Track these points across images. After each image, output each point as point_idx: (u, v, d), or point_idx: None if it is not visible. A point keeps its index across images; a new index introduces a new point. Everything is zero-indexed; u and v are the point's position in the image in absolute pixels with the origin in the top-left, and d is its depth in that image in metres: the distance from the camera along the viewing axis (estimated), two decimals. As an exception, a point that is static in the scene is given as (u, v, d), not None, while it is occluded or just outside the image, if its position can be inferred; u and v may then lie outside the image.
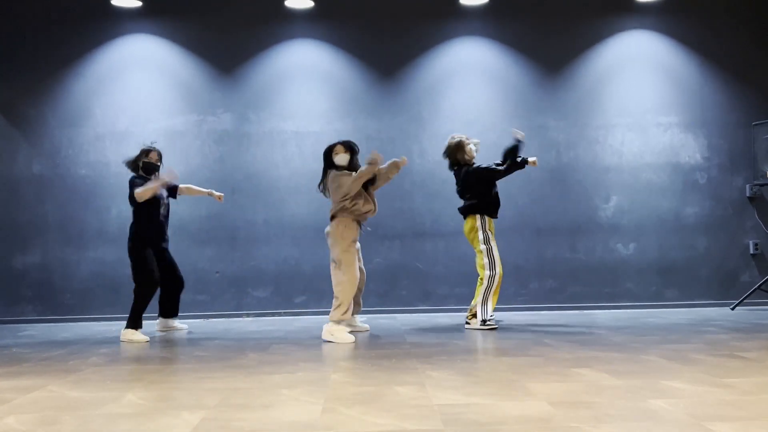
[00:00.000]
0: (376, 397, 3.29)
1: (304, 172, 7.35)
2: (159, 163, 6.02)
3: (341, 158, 5.61)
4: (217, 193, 6.36)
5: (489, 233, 5.90)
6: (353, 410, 3.01)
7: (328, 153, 5.67)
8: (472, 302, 5.98)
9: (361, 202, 5.54)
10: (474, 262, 6.01)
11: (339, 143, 5.69)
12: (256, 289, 7.38)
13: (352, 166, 5.63)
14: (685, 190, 7.54)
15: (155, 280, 5.79)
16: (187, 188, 6.33)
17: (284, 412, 3.03)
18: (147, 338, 5.68)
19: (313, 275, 7.32)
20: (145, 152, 5.97)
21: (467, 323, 5.96)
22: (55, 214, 7.31)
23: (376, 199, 5.71)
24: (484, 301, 5.81)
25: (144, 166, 5.92)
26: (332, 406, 3.10)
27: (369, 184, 5.65)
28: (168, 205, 6.10)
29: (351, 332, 5.48)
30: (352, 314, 5.74)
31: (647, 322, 6.22)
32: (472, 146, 6.03)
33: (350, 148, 5.66)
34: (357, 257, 5.63)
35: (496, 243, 5.95)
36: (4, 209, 7.31)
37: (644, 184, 7.52)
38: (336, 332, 5.32)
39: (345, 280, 5.43)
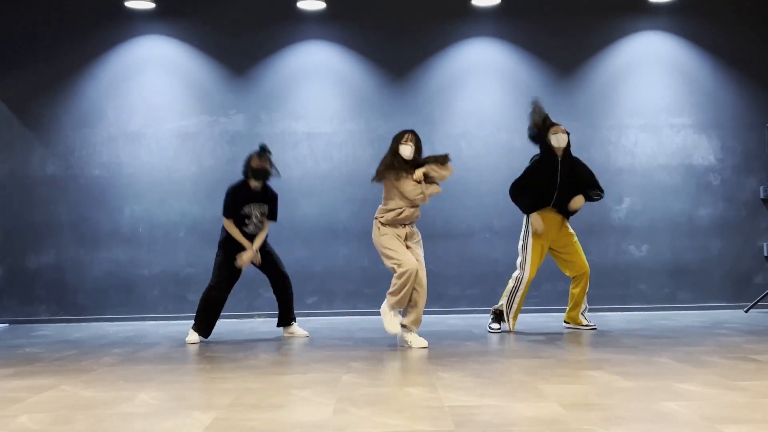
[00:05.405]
0: (387, 398, 3.29)
1: (316, 173, 7.37)
2: (267, 167, 5.54)
3: (407, 150, 4.98)
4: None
5: (528, 229, 5.60)
6: (364, 411, 3.01)
7: (397, 138, 5.04)
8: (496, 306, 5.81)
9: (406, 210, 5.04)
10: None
11: (409, 131, 5.05)
12: (268, 289, 7.33)
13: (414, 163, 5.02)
14: (699, 192, 7.49)
15: (217, 286, 5.55)
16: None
17: (296, 413, 3.04)
18: (197, 339, 5.47)
19: (324, 276, 7.33)
20: (250, 158, 5.56)
21: (490, 329, 5.75)
22: (69, 214, 7.35)
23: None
24: (509, 303, 5.65)
25: (253, 173, 5.53)
26: (343, 406, 3.10)
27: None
28: (261, 222, 5.63)
29: None
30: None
31: (660, 324, 6.19)
32: (554, 135, 5.65)
33: (418, 141, 5.04)
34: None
35: (541, 243, 5.62)
36: (18, 209, 7.36)
37: (657, 185, 7.48)
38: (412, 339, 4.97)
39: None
